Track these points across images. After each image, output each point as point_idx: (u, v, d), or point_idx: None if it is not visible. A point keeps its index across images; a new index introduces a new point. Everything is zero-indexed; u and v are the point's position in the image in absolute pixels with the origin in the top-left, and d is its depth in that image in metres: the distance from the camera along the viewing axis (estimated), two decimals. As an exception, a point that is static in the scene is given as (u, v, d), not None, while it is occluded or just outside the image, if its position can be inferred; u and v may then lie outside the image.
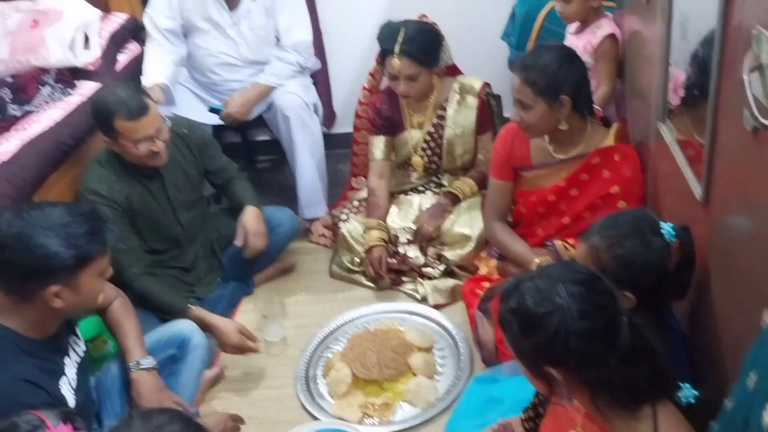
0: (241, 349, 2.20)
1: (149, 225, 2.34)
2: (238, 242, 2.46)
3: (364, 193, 2.80)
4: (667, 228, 1.45)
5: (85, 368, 1.75)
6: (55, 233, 1.48)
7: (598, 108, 2.20)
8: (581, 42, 2.35)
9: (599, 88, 2.30)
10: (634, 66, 2.22)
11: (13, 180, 2.07)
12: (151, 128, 2.16)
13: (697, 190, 1.52)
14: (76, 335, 1.77)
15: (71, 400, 1.61)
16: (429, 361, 2.19)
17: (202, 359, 2.08)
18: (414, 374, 2.15)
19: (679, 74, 1.67)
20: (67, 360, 1.68)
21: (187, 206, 2.46)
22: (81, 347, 1.76)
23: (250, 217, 2.47)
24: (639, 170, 2.02)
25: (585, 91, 2.02)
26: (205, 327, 2.17)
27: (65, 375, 1.65)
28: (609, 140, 2.06)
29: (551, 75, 1.95)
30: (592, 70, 2.29)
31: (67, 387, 1.63)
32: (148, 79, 2.73)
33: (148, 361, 1.88)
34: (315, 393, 2.19)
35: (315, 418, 2.09)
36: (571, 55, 2.03)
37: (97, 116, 2.17)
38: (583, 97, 2.01)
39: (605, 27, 2.31)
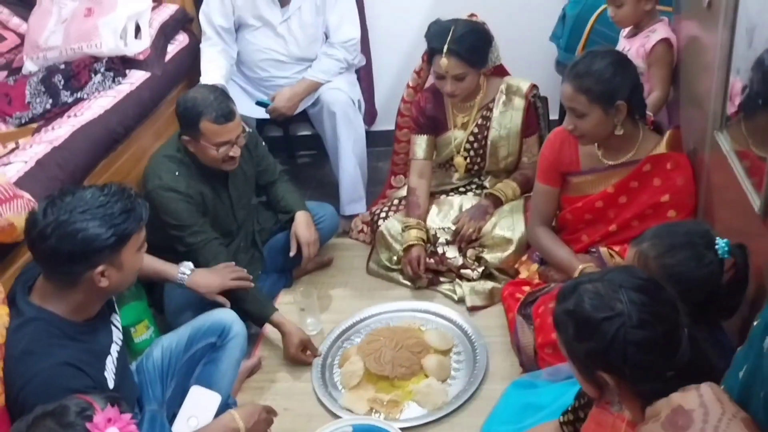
0: (294, 361, 2.30)
1: (210, 221, 2.37)
2: (291, 252, 2.50)
3: (403, 192, 2.79)
4: (721, 244, 1.41)
5: (124, 352, 1.78)
6: (93, 215, 1.50)
7: (650, 114, 2.15)
8: (634, 46, 2.30)
9: (651, 94, 2.25)
10: (690, 72, 2.16)
11: (65, 165, 2.11)
12: (233, 134, 2.21)
13: (756, 202, 1.48)
14: (116, 317, 1.79)
15: (111, 381, 1.64)
16: (443, 363, 2.19)
17: (242, 348, 2.09)
18: (426, 375, 2.15)
19: (737, 83, 1.63)
20: (110, 341, 1.70)
21: (243, 204, 2.51)
22: (119, 329, 1.78)
23: (302, 225, 2.50)
24: (691, 180, 1.98)
25: (639, 96, 1.99)
26: (279, 330, 2.30)
27: (110, 355, 1.68)
28: (661, 148, 2.02)
29: (606, 82, 1.91)
30: (644, 75, 2.24)
31: (110, 367, 1.66)
32: (207, 79, 2.76)
33: (188, 266, 2.16)
34: (329, 382, 2.22)
35: (323, 406, 2.13)
36: (623, 60, 2.00)
37: (183, 114, 2.20)
38: (637, 102, 1.98)
39: (660, 31, 2.26)
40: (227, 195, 2.41)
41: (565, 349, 1.22)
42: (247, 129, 2.32)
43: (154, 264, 2.11)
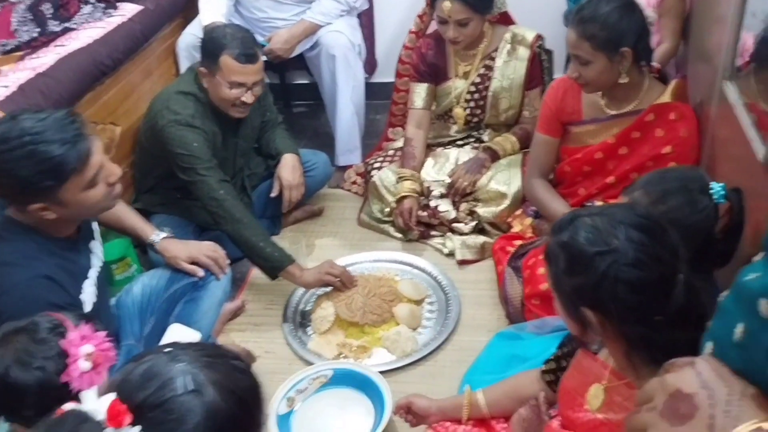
0: (324, 277, 2.16)
1: None
2: (273, 193, 2.43)
3: (400, 143, 2.72)
4: (717, 188, 1.34)
5: (103, 281, 1.73)
6: (18, 155, 1.39)
7: (657, 64, 2.06)
8: (646, -5, 2.20)
9: (661, 45, 2.16)
10: (701, 24, 2.07)
11: (48, 93, 2.04)
12: (251, 78, 2.15)
13: (760, 152, 1.41)
14: (96, 243, 1.74)
15: (89, 305, 1.60)
16: (415, 312, 2.17)
17: (224, 289, 2.06)
18: (397, 323, 2.14)
19: (748, 38, 1.57)
20: (88, 265, 1.66)
21: (244, 152, 2.45)
22: (99, 257, 1.74)
23: (287, 167, 2.43)
24: (695, 132, 1.90)
25: (645, 42, 1.90)
26: (299, 283, 2.17)
27: (88, 278, 1.63)
28: (666, 97, 1.94)
29: (611, 27, 1.84)
30: (654, 25, 2.15)
31: (89, 290, 1.62)
32: (206, 18, 2.67)
33: (165, 233, 2.01)
34: (299, 326, 2.20)
35: (291, 349, 2.11)
36: (630, 3, 1.91)
37: (207, 43, 2.15)
38: (643, 49, 1.89)
39: (673, -20, 2.16)
40: (234, 142, 2.35)
41: (553, 283, 1.16)
42: (266, 80, 2.23)
43: (132, 219, 2.00)
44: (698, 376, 0.65)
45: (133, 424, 0.80)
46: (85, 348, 1.16)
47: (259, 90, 2.21)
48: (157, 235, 1.99)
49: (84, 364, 1.15)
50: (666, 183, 1.37)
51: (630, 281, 1.05)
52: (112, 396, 0.82)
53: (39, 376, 1.14)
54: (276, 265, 2.13)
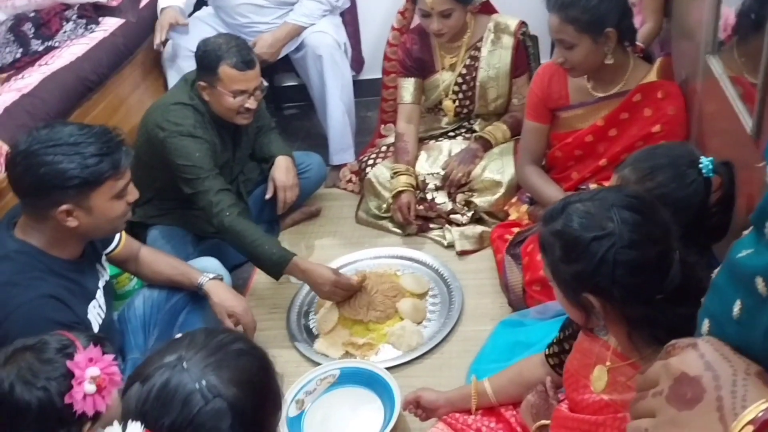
0: (337, 287, 2.13)
1: None
2: (267, 195, 2.43)
3: (392, 139, 2.72)
4: (705, 162, 1.35)
5: (109, 298, 1.74)
6: (62, 151, 1.45)
7: (640, 44, 2.07)
8: (626, -25, 2.20)
9: (644, 25, 2.17)
10: (682, 2, 2.08)
11: (35, 112, 2.05)
12: (252, 83, 2.16)
13: (748, 124, 1.42)
14: (102, 264, 1.76)
15: (96, 326, 1.61)
16: (418, 306, 2.18)
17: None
18: (402, 318, 2.14)
19: (729, 12, 1.58)
20: (95, 287, 1.67)
21: (242, 160, 2.45)
22: (105, 277, 1.75)
23: (281, 169, 2.43)
24: (683, 109, 1.91)
25: (628, 21, 1.91)
26: (305, 275, 2.13)
27: (95, 299, 1.65)
28: (651, 76, 1.95)
29: (593, 9, 1.84)
30: (636, 6, 2.16)
31: (96, 312, 1.63)
32: (164, 0, 2.66)
33: (213, 275, 1.94)
34: (305, 329, 2.20)
35: (298, 351, 2.10)
36: None
37: (203, 57, 2.14)
38: (626, 29, 1.90)
39: (652, -41, 2.17)
40: (232, 150, 2.36)
41: (551, 272, 1.16)
42: (265, 84, 2.24)
43: (175, 262, 1.95)
44: (701, 357, 0.64)
45: None
46: (91, 370, 1.15)
47: (260, 94, 2.22)
48: (205, 277, 1.93)
49: (89, 387, 1.15)
50: (654, 159, 1.38)
51: (628, 263, 1.06)
52: (138, 428, 0.81)
53: (40, 396, 1.13)
54: (276, 266, 2.12)
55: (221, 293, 1.93)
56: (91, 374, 1.14)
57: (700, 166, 1.34)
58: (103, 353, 1.20)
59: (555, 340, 1.52)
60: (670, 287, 1.08)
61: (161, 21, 2.68)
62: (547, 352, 1.54)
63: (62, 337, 1.20)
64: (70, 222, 1.50)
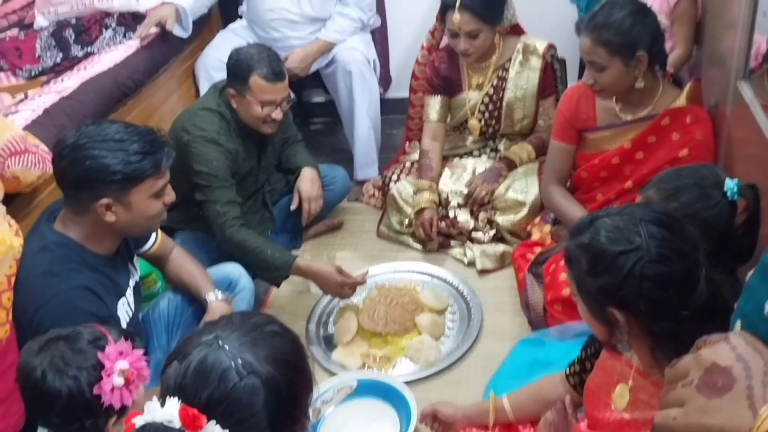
0: (344, 288, 2.17)
1: (235, 183, 2.31)
2: (292, 206, 2.47)
3: (416, 156, 2.74)
4: (730, 184, 1.35)
5: (137, 299, 1.77)
6: (108, 147, 1.50)
7: (670, 69, 2.08)
8: (656, 2, 2.23)
9: (674, 51, 2.18)
10: (714, 29, 2.09)
11: (73, 114, 2.10)
12: (281, 94, 2.21)
13: (778, 149, 1.42)
14: (134, 264, 1.79)
15: (124, 323, 1.64)
16: (437, 321, 2.18)
17: (248, 303, 2.09)
18: (420, 332, 2.14)
19: (762, 42, 1.59)
20: (126, 285, 1.70)
21: (266, 169, 2.49)
22: (136, 277, 1.78)
23: (306, 180, 2.47)
24: (711, 134, 1.91)
25: (660, 46, 1.92)
26: (307, 274, 2.19)
27: (125, 297, 1.68)
28: (681, 101, 1.95)
29: (626, 32, 1.85)
30: (667, 31, 2.17)
31: (125, 309, 1.66)
32: None
33: (223, 294, 1.94)
34: (323, 339, 2.21)
35: (315, 361, 2.10)
36: (643, 8, 1.93)
37: (235, 66, 2.19)
38: (658, 53, 1.91)
39: (684, -14, 2.18)
40: (257, 159, 2.40)
41: (576, 285, 1.17)
42: (293, 96, 2.28)
43: (195, 272, 1.96)
44: (733, 349, 0.65)
45: (208, 421, 0.83)
46: (120, 363, 1.18)
47: (286, 106, 2.26)
48: (213, 294, 1.92)
49: (117, 380, 1.17)
50: (679, 180, 1.38)
51: (655, 277, 1.06)
52: (176, 402, 0.84)
53: (70, 384, 1.17)
54: (279, 270, 2.16)
55: (217, 315, 1.88)
56: (121, 367, 1.16)
57: (725, 188, 1.34)
58: (133, 348, 1.22)
59: (576, 360, 1.51)
60: (696, 303, 1.08)
61: (152, 16, 2.65)
62: (567, 371, 1.53)
63: (95, 330, 1.23)
64: (108, 216, 1.54)
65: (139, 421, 0.86)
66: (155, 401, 0.86)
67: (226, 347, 0.89)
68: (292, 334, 0.99)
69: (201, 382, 0.86)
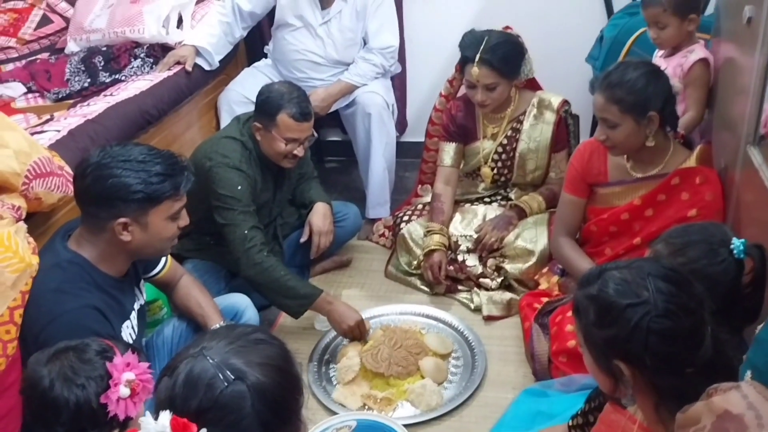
0: (352, 332, 2.24)
1: None
2: (302, 239, 2.50)
3: (428, 198, 2.78)
4: (737, 243, 1.37)
5: (142, 321, 1.79)
6: (130, 167, 1.54)
7: (681, 131, 2.12)
8: (671, 65, 2.28)
9: (686, 114, 2.22)
10: (725, 94, 2.14)
11: (96, 138, 2.15)
12: (305, 133, 2.28)
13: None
14: (140, 288, 1.80)
15: None
16: (440, 366, 2.17)
17: (253, 334, 2.08)
18: (423, 376, 2.13)
19: None
20: (132, 308, 1.72)
21: (282, 203, 2.54)
22: (141, 301, 1.80)
23: (319, 215, 2.50)
24: (720, 196, 1.94)
25: (672, 107, 1.97)
26: (331, 310, 2.22)
27: (130, 320, 1.69)
28: (691, 161, 1.99)
29: (639, 92, 1.90)
30: (680, 95, 2.22)
31: (128, 332, 1.68)
32: (194, 37, 2.79)
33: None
34: (324, 377, 2.21)
35: (315, 398, 2.11)
36: (656, 70, 1.98)
37: (265, 102, 2.26)
38: (669, 114, 1.96)
39: (698, 51, 2.24)
40: (273, 191, 2.44)
41: (583, 336, 1.18)
42: (315, 134, 2.35)
43: (203, 301, 1.96)
44: (744, 398, 0.67)
45: (199, 429, 0.85)
46: (127, 375, 1.20)
47: (308, 143, 2.32)
48: (219, 325, 1.88)
49: (124, 390, 1.19)
50: (687, 236, 1.40)
51: (662, 332, 1.08)
52: (167, 414, 0.86)
53: (78, 394, 1.18)
54: (304, 299, 2.19)
55: None
56: (127, 378, 1.18)
57: (732, 246, 1.36)
58: (139, 361, 1.24)
59: (580, 412, 1.51)
60: (701, 360, 1.09)
61: (172, 55, 2.74)
62: (570, 423, 1.53)
63: (102, 342, 1.25)
64: (124, 236, 1.57)
65: None
66: (149, 416, 0.88)
67: (212, 357, 0.92)
68: (278, 340, 1.02)
69: (189, 392, 0.89)
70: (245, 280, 2.26)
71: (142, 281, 1.84)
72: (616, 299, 1.11)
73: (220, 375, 0.90)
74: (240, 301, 2.14)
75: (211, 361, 0.91)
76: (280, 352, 0.99)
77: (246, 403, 0.89)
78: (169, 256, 1.92)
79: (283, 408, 0.94)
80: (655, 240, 1.47)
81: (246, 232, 2.20)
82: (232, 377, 0.90)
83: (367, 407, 2.06)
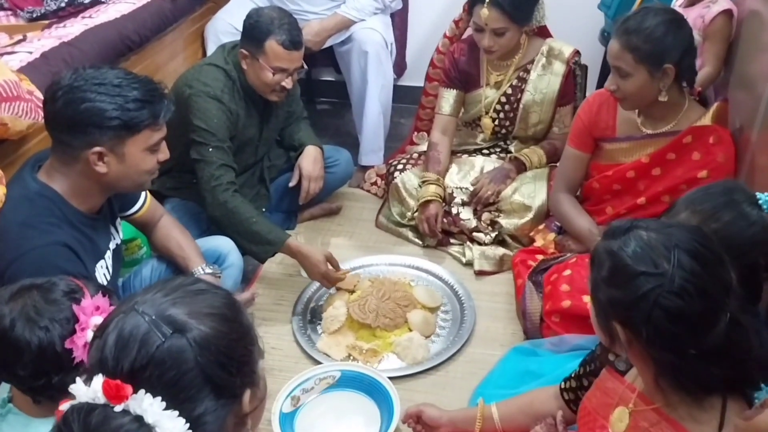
0: (327, 279, 2.15)
1: (234, 149, 2.22)
2: (291, 183, 2.40)
3: (424, 147, 2.67)
4: (764, 198, 1.26)
5: (117, 261, 1.69)
6: (105, 91, 1.41)
7: (697, 87, 2.01)
8: (691, 15, 2.14)
9: (703, 68, 2.10)
10: (747, 50, 2.02)
11: (71, 62, 2.01)
12: (294, 63, 2.15)
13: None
14: (116, 226, 1.71)
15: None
16: (428, 320, 2.12)
17: (235, 280, 2.02)
18: (410, 329, 2.08)
19: None
20: (106, 247, 1.62)
21: (267, 141, 2.41)
22: (117, 240, 1.70)
23: (309, 158, 2.39)
24: (733, 158, 1.84)
25: (690, 61, 1.84)
26: (296, 255, 2.12)
27: (104, 260, 1.60)
28: (706, 119, 1.88)
29: (656, 41, 1.77)
30: (698, 48, 2.09)
31: (102, 272, 1.59)
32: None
33: (211, 268, 1.84)
34: (308, 324, 2.14)
35: (299, 346, 2.05)
36: (679, 19, 1.85)
37: (253, 27, 2.11)
38: (687, 68, 1.84)
39: (722, 2, 2.11)
40: (258, 128, 2.31)
41: (591, 286, 1.11)
42: (305, 66, 2.21)
43: (184, 242, 1.86)
44: None
45: (135, 391, 0.77)
46: (95, 319, 1.11)
47: (296, 76, 2.19)
48: (201, 268, 1.82)
49: (90, 335, 1.10)
50: (713, 199, 1.28)
51: (669, 309, 0.99)
52: (99, 378, 0.78)
53: (41, 336, 1.10)
54: (269, 245, 2.08)
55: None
56: (95, 322, 1.09)
57: (761, 202, 1.25)
58: (110, 305, 1.15)
59: (573, 375, 1.45)
60: (707, 346, 1.01)
61: None
62: (562, 386, 1.47)
63: (71, 282, 1.16)
64: (99, 167, 1.45)
65: (64, 406, 0.80)
66: (80, 382, 0.80)
67: (144, 311, 0.83)
68: (223, 290, 0.93)
69: (121, 352, 0.80)
70: (211, 221, 2.15)
71: (119, 220, 1.73)
72: (631, 263, 1.02)
73: (156, 329, 0.81)
74: (223, 243, 2.05)
75: (144, 315, 0.82)
76: (225, 300, 0.90)
77: (187, 356, 0.81)
78: (148, 194, 1.81)
79: (232, 360, 0.85)
80: (673, 210, 1.31)
81: (213, 170, 2.08)
82: (170, 331, 0.81)
83: (352, 358, 2.01)
